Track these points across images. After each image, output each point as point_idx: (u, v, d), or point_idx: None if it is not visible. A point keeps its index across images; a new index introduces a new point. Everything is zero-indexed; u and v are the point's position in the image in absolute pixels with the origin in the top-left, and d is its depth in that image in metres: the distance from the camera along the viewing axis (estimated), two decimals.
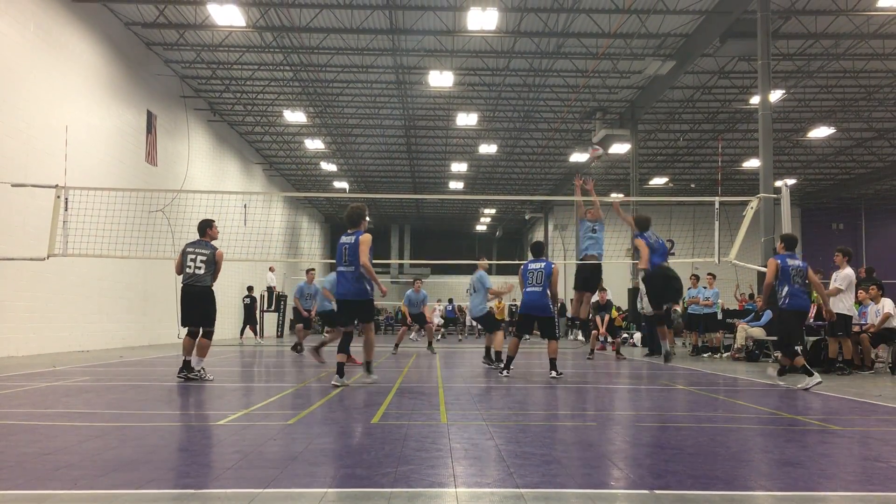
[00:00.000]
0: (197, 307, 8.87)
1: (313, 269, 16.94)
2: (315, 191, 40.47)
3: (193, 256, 8.90)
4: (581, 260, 12.05)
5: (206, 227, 9.28)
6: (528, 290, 10.16)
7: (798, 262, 9.05)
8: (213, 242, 9.29)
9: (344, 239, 8.56)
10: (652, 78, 22.32)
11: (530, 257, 10.58)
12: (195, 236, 9.44)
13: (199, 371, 8.83)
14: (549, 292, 10.07)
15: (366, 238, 8.45)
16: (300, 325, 16.62)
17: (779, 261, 9.01)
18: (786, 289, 8.87)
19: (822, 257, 28.45)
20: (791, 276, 8.89)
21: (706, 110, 26.87)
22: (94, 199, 12.91)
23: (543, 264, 10.18)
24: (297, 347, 15.96)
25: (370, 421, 5.73)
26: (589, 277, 11.85)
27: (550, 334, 10.10)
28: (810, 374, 8.59)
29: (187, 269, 8.86)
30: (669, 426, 5.84)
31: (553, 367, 10.04)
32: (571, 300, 14.81)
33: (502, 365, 10.90)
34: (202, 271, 8.84)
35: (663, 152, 32.86)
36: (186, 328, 8.97)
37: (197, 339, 8.92)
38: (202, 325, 8.91)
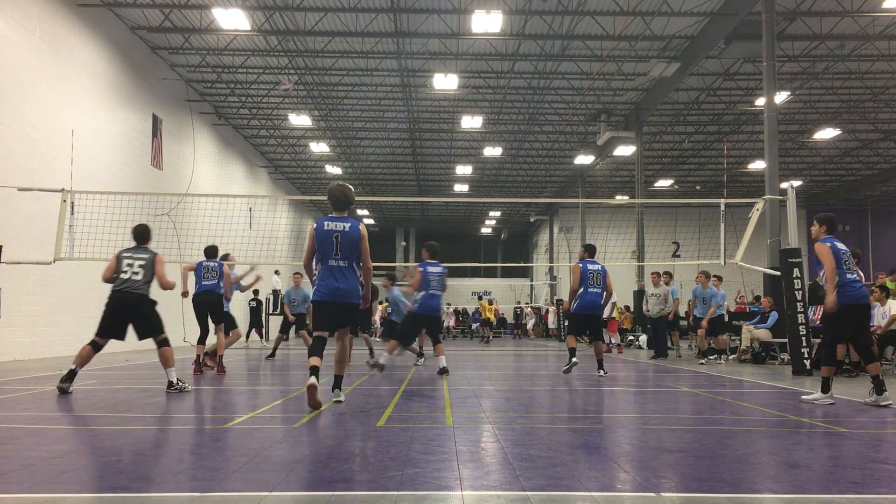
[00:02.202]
0: (132, 317, 7.98)
1: (300, 273, 16.12)
2: (320, 194, 40.50)
3: (130, 262, 8.02)
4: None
5: (149, 232, 8.45)
6: (591, 290, 10.63)
7: (844, 247, 7.52)
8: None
9: (331, 225, 6.71)
10: (657, 80, 22.32)
11: (586, 257, 11.03)
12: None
13: (177, 383, 8.02)
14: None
15: (365, 231, 6.88)
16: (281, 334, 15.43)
17: (829, 244, 7.38)
18: (836, 278, 7.26)
19: None
20: (844, 261, 7.32)
21: (711, 112, 26.84)
22: (100, 203, 12.95)
23: (600, 266, 10.77)
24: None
25: (376, 424, 5.72)
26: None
27: (600, 335, 10.90)
28: (826, 391, 7.29)
29: (122, 275, 7.93)
30: (675, 429, 5.82)
31: (601, 366, 10.67)
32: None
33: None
34: (139, 277, 7.95)
35: (668, 154, 32.81)
36: (99, 337, 7.99)
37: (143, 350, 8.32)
38: (150, 336, 8.11)
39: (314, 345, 6.77)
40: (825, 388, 7.31)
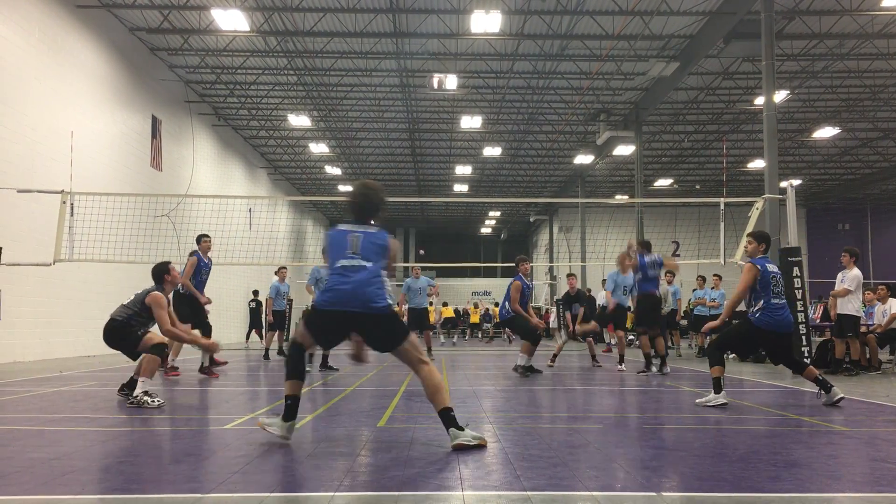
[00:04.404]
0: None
1: (285, 268, 15.70)
2: (320, 194, 40.52)
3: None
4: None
5: (163, 273, 7.83)
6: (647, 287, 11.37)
7: (776, 269, 7.40)
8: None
9: (348, 227, 5.10)
10: (656, 79, 22.31)
11: (643, 253, 11.55)
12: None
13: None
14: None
15: (396, 246, 5.24)
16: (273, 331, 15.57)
17: (759, 265, 7.22)
18: (762, 301, 7.09)
19: (828, 258, 28.37)
20: (771, 285, 7.15)
21: (711, 111, 26.84)
22: (100, 205, 12.94)
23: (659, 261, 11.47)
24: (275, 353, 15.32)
25: (376, 424, 5.73)
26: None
27: (661, 330, 11.51)
28: (718, 391, 7.01)
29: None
30: (676, 428, 5.82)
31: (663, 361, 11.28)
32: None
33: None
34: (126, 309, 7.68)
35: (668, 154, 32.82)
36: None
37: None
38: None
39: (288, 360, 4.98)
40: (717, 388, 7.00)
